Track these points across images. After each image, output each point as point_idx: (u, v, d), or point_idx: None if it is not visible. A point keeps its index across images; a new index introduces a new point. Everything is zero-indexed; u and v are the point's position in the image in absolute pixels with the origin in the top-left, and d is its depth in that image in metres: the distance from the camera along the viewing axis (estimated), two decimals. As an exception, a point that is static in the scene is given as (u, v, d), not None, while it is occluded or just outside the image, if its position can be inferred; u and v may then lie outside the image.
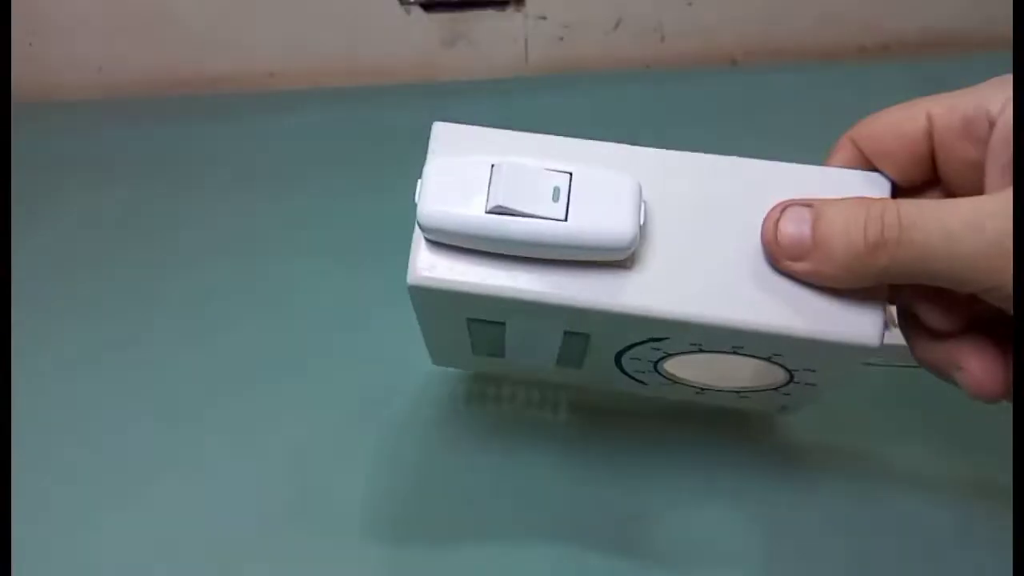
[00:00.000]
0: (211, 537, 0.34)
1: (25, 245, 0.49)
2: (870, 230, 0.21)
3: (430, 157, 0.26)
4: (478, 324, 0.27)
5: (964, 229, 0.20)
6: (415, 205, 0.24)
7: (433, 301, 0.25)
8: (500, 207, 0.23)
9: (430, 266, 0.24)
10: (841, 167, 0.26)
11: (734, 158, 0.26)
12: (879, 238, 0.21)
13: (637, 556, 0.32)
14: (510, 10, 0.75)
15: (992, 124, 0.23)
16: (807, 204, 0.23)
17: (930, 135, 0.24)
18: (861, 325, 0.24)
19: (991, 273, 0.20)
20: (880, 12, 0.79)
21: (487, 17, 0.75)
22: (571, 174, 0.23)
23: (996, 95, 0.23)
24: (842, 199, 0.23)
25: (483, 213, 0.23)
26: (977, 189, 0.23)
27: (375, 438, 0.37)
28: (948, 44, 0.80)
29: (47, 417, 0.37)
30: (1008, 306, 0.20)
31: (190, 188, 0.57)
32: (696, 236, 0.24)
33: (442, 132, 0.28)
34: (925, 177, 0.25)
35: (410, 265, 0.24)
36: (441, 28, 0.75)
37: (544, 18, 0.76)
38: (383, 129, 0.65)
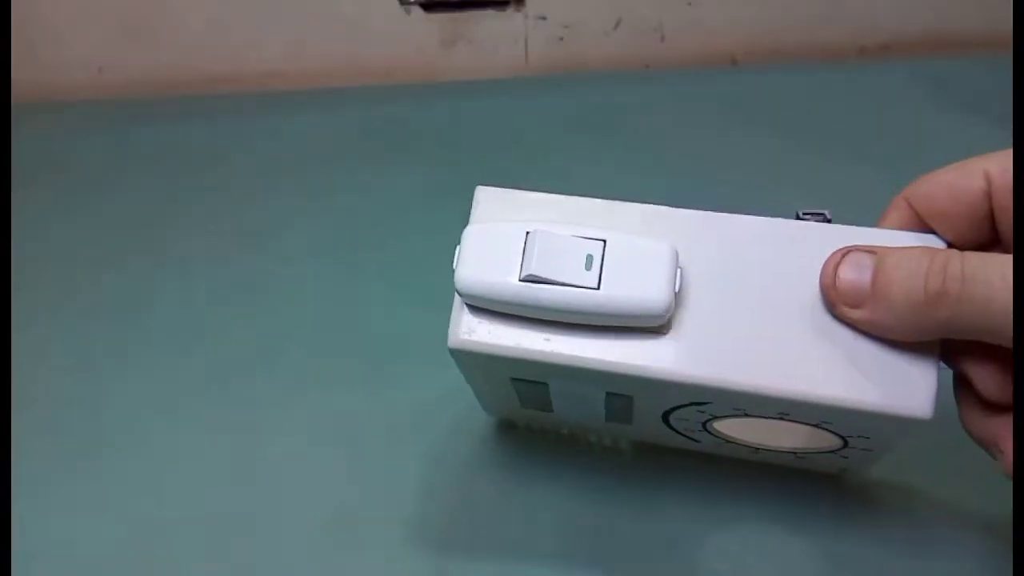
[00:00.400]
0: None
1: (25, 245, 0.49)
2: (932, 280, 0.21)
3: (471, 222, 0.26)
4: (522, 383, 0.28)
5: None
6: (453, 271, 0.24)
7: (475, 362, 0.26)
8: (533, 275, 0.23)
9: (469, 330, 0.25)
10: (894, 229, 0.25)
11: (777, 220, 0.25)
12: (941, 288, 0.21)
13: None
14: (510, 10, 0.75)
15: None
16: (870, 250, 0.23)
17: (988, 195, 0.23)
18: (912, 395, 0.23)
19: None
20: (880, 12, 0.79)
21: (487, 17, 0.75)
22: (605, 241, 0.23)
23: None
24: (906, 247, 0.23)
25: (517, 281, 0.23)
26: None
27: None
28: (948, 44, 0.80)
29: (48, 418, 0.37)
30: None
31: (190, 188, 0.57)
32: (735, 299, 0.24)
33: (484, 196, 0.27)
34: (984, 238, 0.24)
35: (451, 329, 0.25)
36: (441, 28, 0.75)
37: (544, 18, 0.76)
38: (384, 129, 0.65)
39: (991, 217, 0.23)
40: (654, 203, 0.25)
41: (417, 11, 0.74)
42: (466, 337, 0.25)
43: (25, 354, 0.39)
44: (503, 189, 0.27)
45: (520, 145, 0.62)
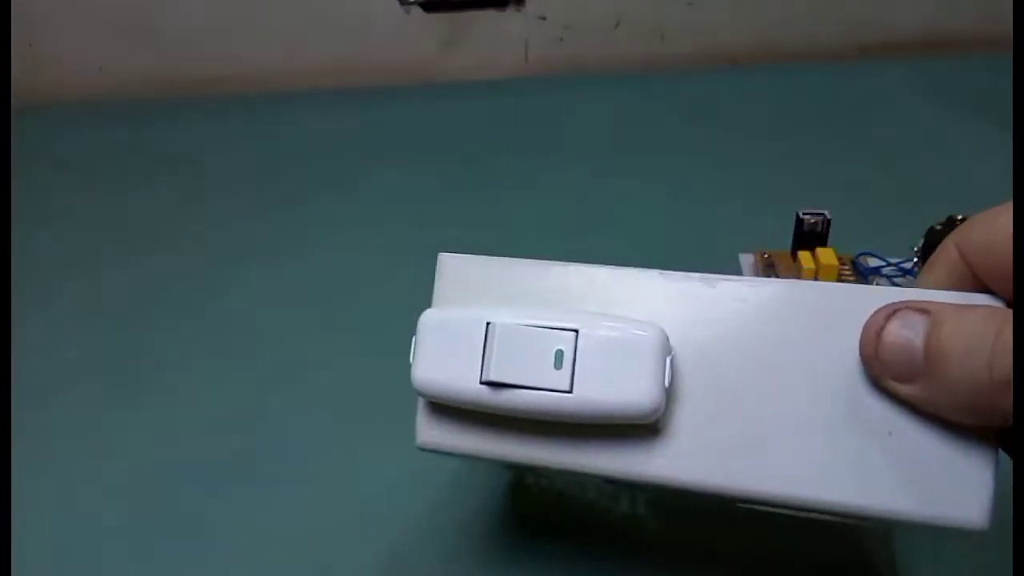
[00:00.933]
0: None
1: (26, 245, 0.49)
2: (1000, 360, 0.16)
3: (433, 300, 0.23)
4: (510, 465, 0.25)
5: None
6: (410, 364, 0.21)
7: (450, 455, 0.23)
8: (493, 380, 0.20)
9: (432, 430, 0.22)
10: (937, 289, 0.19)
11: (791, 281, 0.20)
12: (1007, 376, 0.16)
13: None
14: (510, 11, 0.75)
15: None
16: (922, 310, 0.18)
17: None
18: (962, 500, 0.18)
19: None
20: (880, 12, 0.79)
21: (487, 18, 0.75)
22: (576, 332, 0.20)
23: None
24: (970, 308, 0.18)
25: (478, 384, 0.20)
26: None
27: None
28: (948, 44, 0.80)
29: (48, 419, 0.37)
30: None
31: (191, 188, 0.57)
32: (743, 384, 0.20)
33: (448, 266, 0.23)
34: None
35: (416, 426, 0.22)
36: (441, 28, 0.75)
37: (544, 18, 0.76)
38: (384, 129, 0.65)
39: None
40: (643, 266, 0.21)
41: (417, 11, 0.74)
42: (430, 438, 0.22)
43: (26, 354, 0.39)
44: (470, 256, 0.23)
45: (520, 145, 0.62)
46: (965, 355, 0.17)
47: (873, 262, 0.32)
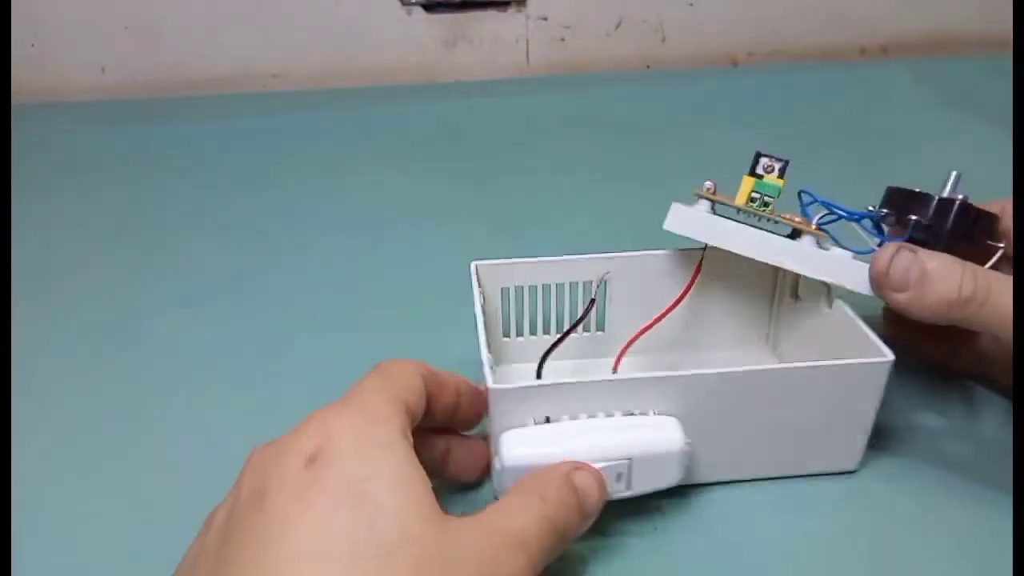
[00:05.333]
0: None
1: (26, 244, 0.49)
2: (965, 286, 0.27)
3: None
4: None
5: None
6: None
7: None
8: None
9: None
10: None
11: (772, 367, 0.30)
12: (972, 295, 0.27)
13: None
14: (511, 11, 0.75)
15: None
16: (913, 250, 0.28)
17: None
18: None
19: None
20: (880, 13, 0.79)
21: (488, 18, 0.75)
22: (631, 460, 0.27)
23: None
24: (937, 253, 0.28)
25: None
26: None
27: None
28: (948, 45, 0.80)
29: (46, 419, 0.37)
30: None
31: (192, 188, 0.57)
32: (721, 427, 0.29)
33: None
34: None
35: None
36: (442, 29, 0.76)
37: (545, 19, 0.76)
38: (384, 129, 0.65)
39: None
40: (660, 372, 0.28)
41: (418, 12, 0.75)
42: None
43: (27, 353, 0.39)
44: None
45: (521, 145, 0.62)
46: (942, 279, 0.27)
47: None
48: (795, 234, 0.31)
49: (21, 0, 0.69)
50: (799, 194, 0.31)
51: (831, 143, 0.59)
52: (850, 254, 0.30)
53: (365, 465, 0.20)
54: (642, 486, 0.27)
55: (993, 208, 0.30)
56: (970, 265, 0.27)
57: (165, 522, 0.26)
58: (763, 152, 0.31)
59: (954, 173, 0.30)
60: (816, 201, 0.31)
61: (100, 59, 0.74)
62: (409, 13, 0.75)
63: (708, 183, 0.32)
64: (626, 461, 0.27)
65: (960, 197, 0.29)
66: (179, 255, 0.49)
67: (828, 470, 0.31)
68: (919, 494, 0.30)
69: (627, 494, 0.27)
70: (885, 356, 0.28)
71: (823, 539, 0.29)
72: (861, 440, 0.30)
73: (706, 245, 0.32)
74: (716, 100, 0.69)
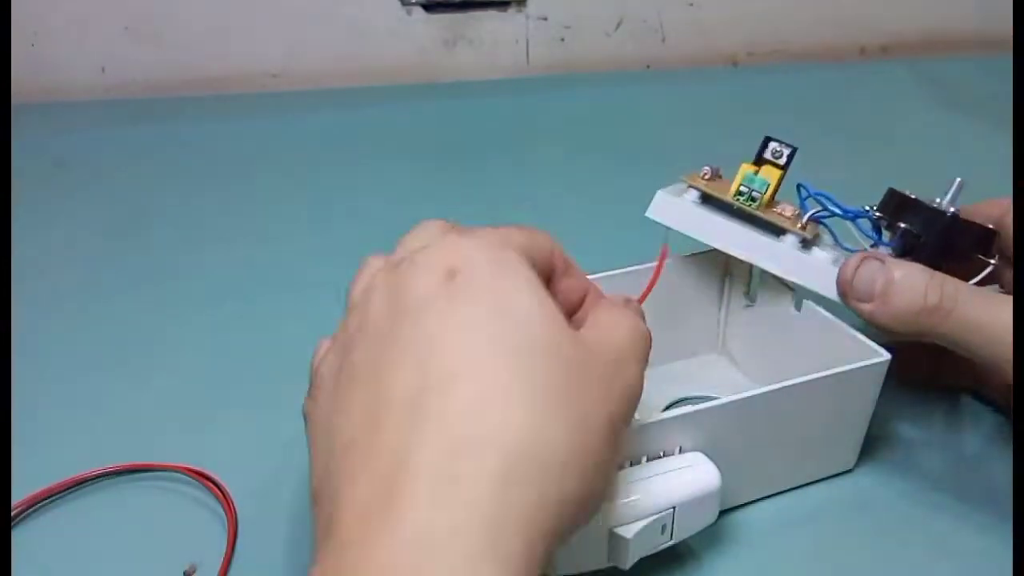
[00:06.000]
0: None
1: (26, 244, 0.49)
2: (931, 295, 0.26)
3: None
4: None
5: (1006, 321, 0.25)
6: None
7: None
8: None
9: None
10: None
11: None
12: (937, 305, 0.26)
13: None
14: (511, 11, 0.75)
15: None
16: (879, 258, 0.28)
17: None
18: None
19: (1006, 367, 0.25)
20: (880, 13, 0.79)
21: (488, 18, 0.75)
22: (674, 509, 0.25)
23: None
24: (905, 261, 0.27)
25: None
26: None
27: None
28: (948, 45, 0.80)
29: (47, 419, 0.37)
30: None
31: (192, 188, 0.57)
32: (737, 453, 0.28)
33: None
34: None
35: None
36: (442, 29, 0.76)
37: (545, 19, 0.76)
38: (384, 129, 0.65)
39: None
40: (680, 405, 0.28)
41: (418, 12, 0.75)
42: None
43: (27, 353, 0.39)
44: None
45: (521, 145, 0.62)
46: (908, 288, 0.26)
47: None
48: (780, 232, 0.30)
49: (21, 0, 0.69)
50: (798, 186, 0.30)
51: (831, 143, 0.59)
52: (830, 259, 0.29)
53: (505, 281, 0.21)
54: (684, 532, 0.26)
55: (992, 210, 0.30)
56: (939, 275, 0.27)
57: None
58: (772, 137, 0.30)
59: (957, 181, 0.29)
60: (811, 195, 0.30)
61: (100, 59, 0.74)
62: (409, 13, 0.75)
63: (706, 168, 0.31)
64: (670, 511, 0.26)
65: (951, 211, 0.28)
66: (179, 255, 0.49)
67: (830, 473, 0.30)
68: (912, 491, 0.30)
69: (669, 544, 0.26)
70: (882, 356, 0.28)
71: (840, 545, 0.28)
72: (859, 439, 0.30)
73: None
74: (716, 100, 0.69)
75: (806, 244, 0.30)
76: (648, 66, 0.79)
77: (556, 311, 0.21)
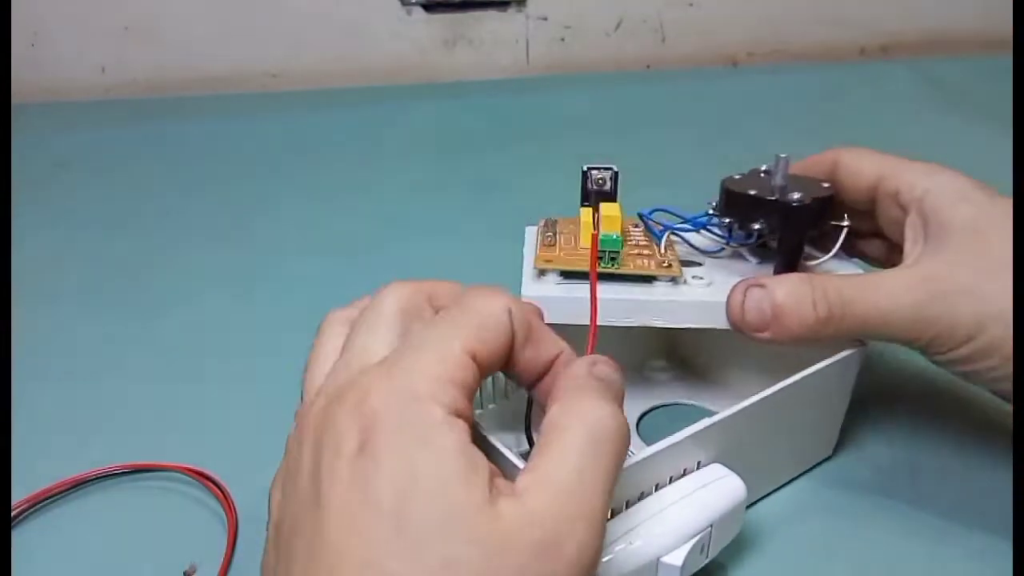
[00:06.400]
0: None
1: (26, 244, 0.49)
2: (820, 307, 0.26)
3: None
4: None
5: (890, 305, 0.26)
6: None
7: None
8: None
9: None
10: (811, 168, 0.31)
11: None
12: (828, 313, 0.26)
13: None
14: (511, 11, 0.75)
15: (915, 202, 0.28)
16: (760, 284, 0.27)
17: (875, 188, 0.29)
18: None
19: (916, 334, 0.26)
20: (880, 13, 0.79)
21: (488, 18, 0.75)
22: (712, 527, 0.25)
23: (922, 181, 0.28)
24: (785, 276, 0.27)
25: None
26: (901, 243, 0.28)
27: None
28: (947, 45, 0.80)
29: (49, 419, 0.37)
30: (928, 354, 0.26)
31: (192, 187, 0.57)
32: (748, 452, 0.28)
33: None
34: (869, 226, 0.30)
35: None
36: (442, 29, 0.76)
37: (545, 19, 0.76)
38: (384, 129, 0.65)
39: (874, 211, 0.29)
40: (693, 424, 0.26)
41: (418, 12, 0.75)
42: None
43: (27, 352, 0.39)
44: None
45: (521, 145, 0.62)
46: (796, 306, 0.26)
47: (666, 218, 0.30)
48: (648, 280, 0.28)
49: (21, 0, 0.69)
50: (639, 216, 0.29)
51: (831, 143, 0.59)
52: (704, 285, 0.28)
53: (405, 466, 0.19)
54: (716, 548, 0.26)
55: (821, 165, 0.30)
56: (818, 280, 0.26)
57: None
58: (592, 165, 0.29)
59: (782, 157, 0.28)
60: (651, 219, 0.29)
61: (100, 59, 0.74)
62: (409, 13, 0.75)
63: (544, 222, 0.31)
64: (708, 530, 0.25)
65: (796, 201, 0.27)
66: (179, 254, 0.49)
67: (816, 462, 0.31)
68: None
69: (706, 562, 0.26)
70: (858, 344, 0.28)
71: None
72: (838, 425, 0.31)
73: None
74: (716, 100, 0.69)
75: (675, 282, 0.28)
76: (648, 66, 0.79)
77: (470, 479, 0.19)
